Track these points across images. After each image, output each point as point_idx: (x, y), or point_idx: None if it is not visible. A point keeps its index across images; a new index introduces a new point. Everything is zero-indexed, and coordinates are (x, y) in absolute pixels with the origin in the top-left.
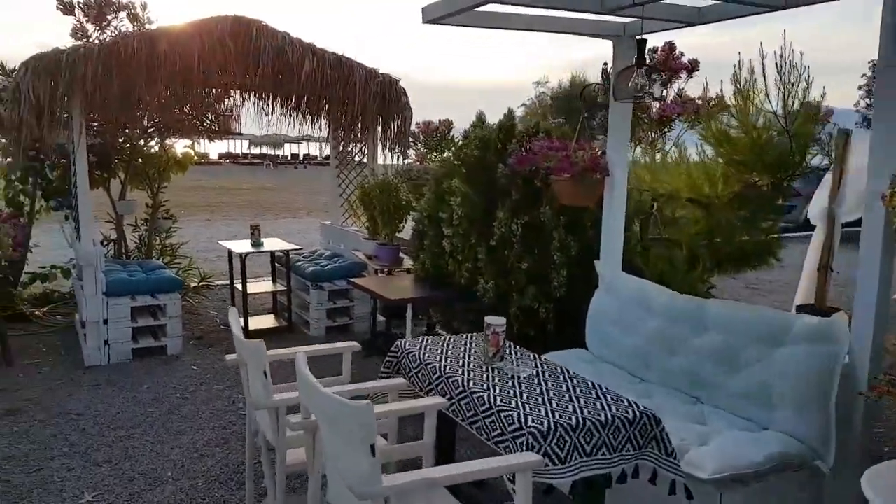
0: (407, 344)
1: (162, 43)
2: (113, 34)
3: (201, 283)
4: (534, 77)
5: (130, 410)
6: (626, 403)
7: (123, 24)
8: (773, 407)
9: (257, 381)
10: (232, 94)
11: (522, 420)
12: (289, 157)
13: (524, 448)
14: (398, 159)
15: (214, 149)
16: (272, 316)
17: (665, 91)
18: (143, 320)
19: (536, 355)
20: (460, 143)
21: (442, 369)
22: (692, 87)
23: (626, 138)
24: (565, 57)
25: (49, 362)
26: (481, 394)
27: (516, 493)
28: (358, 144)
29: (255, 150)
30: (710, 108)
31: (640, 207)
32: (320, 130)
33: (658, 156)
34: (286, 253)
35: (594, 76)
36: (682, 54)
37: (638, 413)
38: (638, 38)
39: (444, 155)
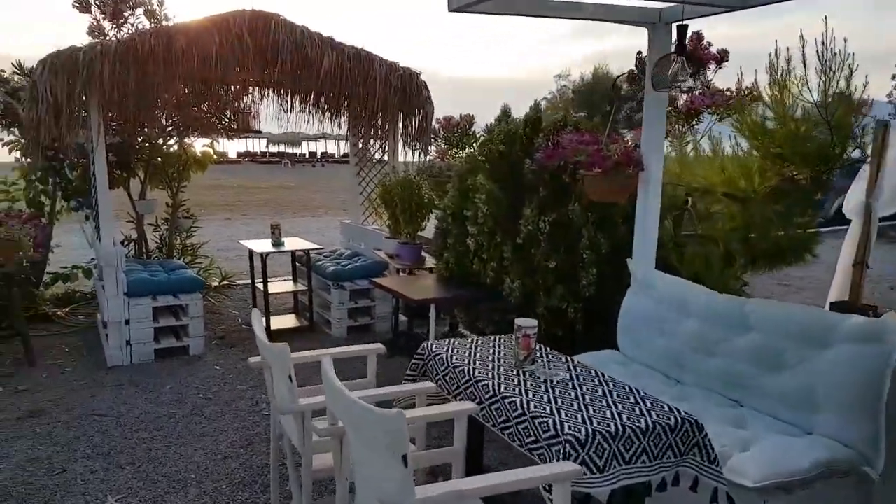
0: (433, 346)
1: (179, 39)
2: (130, 31)
3: (222, 283)
4: (551, 72)
5: (153, 411)
6: (666, 409)
7: (140, 20)
8: (817, 410)
9: (282, 385)
10: (250, 91)
11: (559, 427)
12: (307, 156)
13: (561, 456)
14: (419, 156)
15: (233, 147)
16: (293, 316)
17: (695, 82)
18: (164, 320)
19: (568, 358)
20: (482, 138)
21: (471, 373)
22: (719, 79)
23: (661, 130)
24: (580, 52)
25: (71, 363)
26: (513, 399)
27: (553, 503)
28: (378, 141)
29: (274, 149)
30: (742, 98)
31: (674, 202)
32: (340, 127)
33: (689, 149)
34: (307, 252)
35: (615, 70)
36: (710, 44)
37: (679, 419)
38: (678, 23)
39: (466, 151)
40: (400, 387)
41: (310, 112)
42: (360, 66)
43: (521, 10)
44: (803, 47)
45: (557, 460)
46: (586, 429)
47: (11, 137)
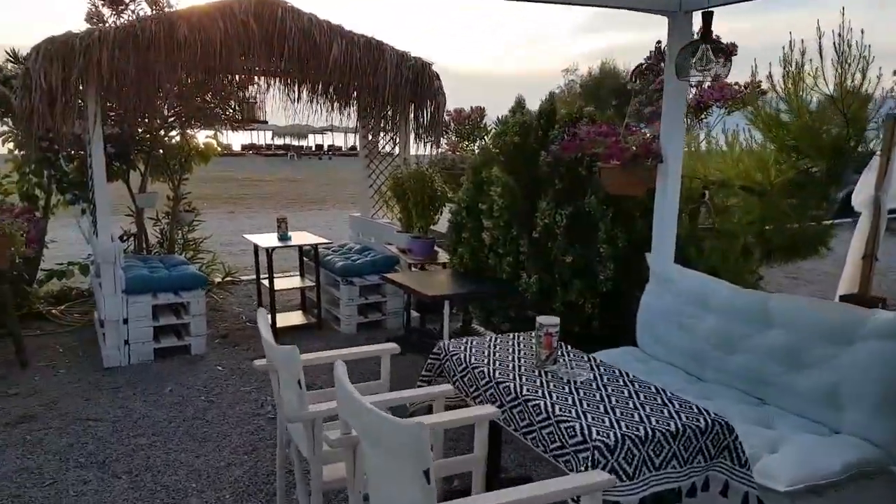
0: (450, 346)
1: (182, 26)
2: (130, 18)
3: (226, 279)
4: (556, 68)
5: (152, 415)
6: (695, 410)
7: (141, 7)
8: (844, 408)
9: (290, 391)
10: (256, 81)
11: (586, 432)
12: (313, 148)
13: (589, 463)
14: (430, 148)
15: (237, 139)
16: (300, 312)
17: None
18: (165, 319)
19: (591, 357)
20: (493, 130)
21: (491, 374)
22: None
23: (680, 122)
24: (585, 48)
25: (66, 364)
26: (537, 402)
27: None
28: (388, 133)
29: (279, 141)
30: (751, 92)
31: (690, 196)
32: (349, 118)
33: (703, 141)
34: (314, 247)
35: (622, 65)
36: (718, 38)
37: (710, 421)
38: (704, 10)
39: (478, 143)
40: (416, 390)
41: (317, 102)
42: (370, 55)
43: None
44: (820, 38)
45: (585, 467)
46: (615, 434)
47: (5, 128)
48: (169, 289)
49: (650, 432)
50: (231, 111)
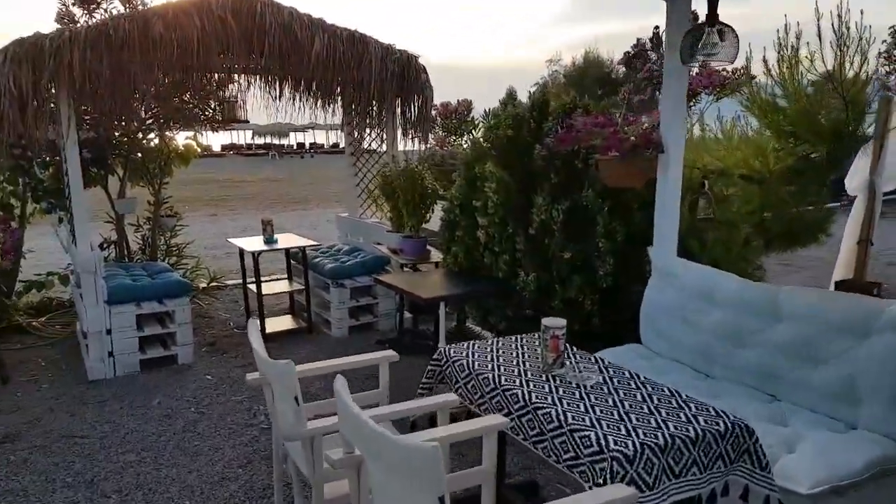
0: (451, 351)
1: (157, 24)
2: (102, 17)
3: (211, 284)
4: (540, 58)
5: (140, 430)
6: (713, 413)
7: (114, 5)
8: (860, 403)
9: (287, 408)
10: (236, 79)
11: (602, 441)
12: (295, 147)
13: (608, 475)
14: (418, 144)
15: (217, 140)
16: (290, 317)
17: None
18: (150, 328)
19: (598, 357)
20: (481, 123)
21: (496, 380)
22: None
23: (681, 111)
24: (568, 37)
25: (49, 378)
26: (547, 409)
27: None
28: (375, 129)
29: (260, 141)
30: (739, 77)
31: (689, 186)
32: (333, 115)
33: (696, 128)
34: (302, 249)
35: (605, 54)
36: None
37: (729, 424)
38: None
39: (465, 138)
40: (419, 401)
41: (300, 100)
42: (354, 49)
43: None
44: (818, 20)
45: (603, 479)
46: (633, 442)
47: None
48: (153, 297)
49: (669, 439)
50: (211, 111)
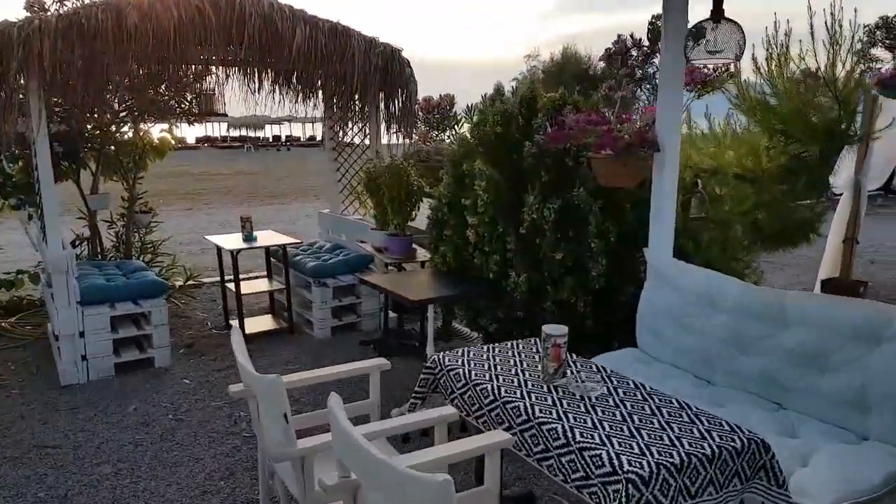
0: (446, 359)
1: (132, 13)
2: (74, 5)
3: (187, 282)
4: (517, 55)
5: (116, 439)
6: (727, 428)
7: None
8: (871, 412)
9: (274, 426)
10: (214, 71)
11: (615, 462)
12: (270, 140)
13: (622, 498)
14: (401, 139)
15: (192, 132)
16: (270, 317)
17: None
18: (124, 330)
19: (601, 366)
20: (464, 119)
21: (495, 391)
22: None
23: (678, 108)
24: (547, 34)
25: (19, 383)
26: (553, 425)
27: None
28: (357, 124)
29: (235, 133)
30: (721, 75)
31: (682, 185)
32: (315, 108)
33: (682, 127)
34: (283, 247)
35: (583, 50)
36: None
37: (745, 440)
38: None
39: (448, 133)
40: (417, 416)
41: (280, 93)
42: (337, 42)
43: None
44: (811, 17)
45: (617, 501)
46: (648, 462)
47: None
48: (128, 298)
49: (685, 458)
50: (187, 104)
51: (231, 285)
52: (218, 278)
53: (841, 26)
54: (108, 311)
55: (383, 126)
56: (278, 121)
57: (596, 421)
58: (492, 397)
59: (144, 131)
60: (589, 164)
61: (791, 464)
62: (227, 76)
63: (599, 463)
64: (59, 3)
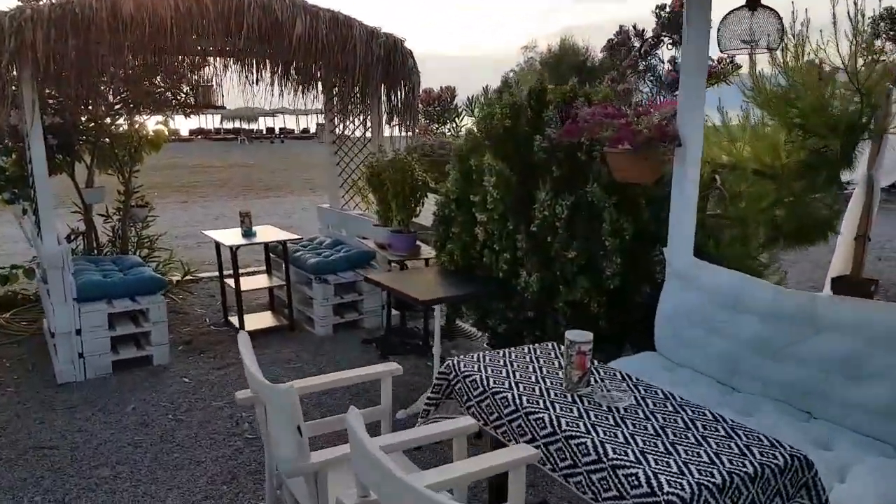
0: (462, 364)
1: (127, 2)
2: None
3: (185, 278)
4: (515, 46)
5: (115, 440)
6: (766, 443)
7: None
8: None
9: (287, 438)
10: (211, 62)
11: (654, 482)
12: (264, 132)
13: None
14: (404, 132)
15: (186, 124)
16: (270, 313)
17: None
18: (122, 328)
19: (626, 374)
20: (465, 111)
21: (516, 401)
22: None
23: (701, 101)
24: (543, 27)
25: (14, 380)
26: (582, 439)
27: None
28: (359, 116)
29: (229, 125)
30: (725, 67)
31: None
32: (315, 100)
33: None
34: (283, 243)
35: (581, 42)
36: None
37: (787, 457)
38: None
39: (448, 126)
40: (435, 428)
41: (280, 85)
42: (338, 32)
43: None
44: (833, 6)
45: None
46: (689, 482)
47: None
48: (125, 294)
49: (727, 477)
50: (183, 96)
51: (230, 281)
52: (216, 273)
53: (863, 15)
54: (106, 307)
55: (385, 118)
56: (272, 113)
57: (627, 435)
58: (512, 407)
59: (140, 123)
60: (603, 159)
61: (828, 479)
62: (225, 67)
63: (636, 483)
64: None
